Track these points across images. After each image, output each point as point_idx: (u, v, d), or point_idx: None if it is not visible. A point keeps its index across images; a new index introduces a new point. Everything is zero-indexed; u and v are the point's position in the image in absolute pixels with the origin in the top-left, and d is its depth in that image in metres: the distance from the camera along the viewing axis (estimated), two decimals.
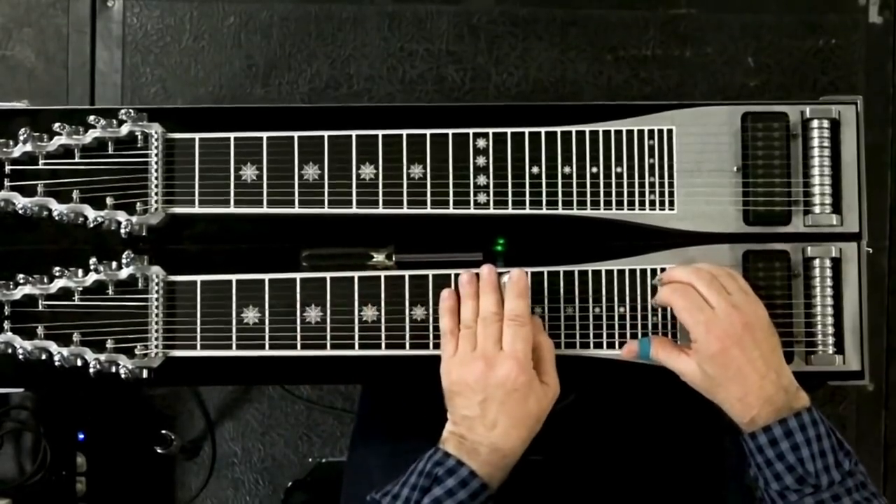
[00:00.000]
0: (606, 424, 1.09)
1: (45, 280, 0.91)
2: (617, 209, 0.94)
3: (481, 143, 0.94)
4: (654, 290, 0.91)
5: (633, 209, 0.94)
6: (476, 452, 0.82)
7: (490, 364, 0.83)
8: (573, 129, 0.94)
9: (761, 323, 0.84)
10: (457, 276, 0.91)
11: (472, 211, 0.94)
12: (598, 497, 1.02)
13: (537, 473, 1.01)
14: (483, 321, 0.85)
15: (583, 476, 1.04)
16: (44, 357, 0.91)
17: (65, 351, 0.90)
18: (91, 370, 0.90)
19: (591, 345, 0.92)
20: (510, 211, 0.94)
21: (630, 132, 0.94)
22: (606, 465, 1.05)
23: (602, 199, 0.94)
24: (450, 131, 0.94)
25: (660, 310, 0.91)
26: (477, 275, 0.89)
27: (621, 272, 0.92)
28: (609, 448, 1.07)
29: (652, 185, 0.94)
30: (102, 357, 0.90)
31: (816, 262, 0.94)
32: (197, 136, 0.94)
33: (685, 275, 0.86)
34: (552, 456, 1.00)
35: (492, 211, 0.94)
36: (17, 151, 0.92)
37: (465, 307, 0.88)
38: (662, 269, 0.92)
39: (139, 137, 0.93)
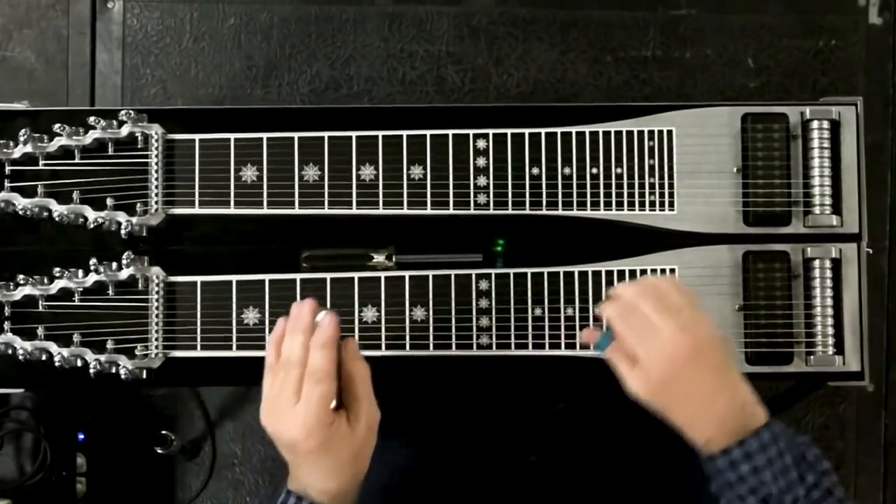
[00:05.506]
0: (599, 425, 1.09)
1: (46, 281, 0.91)
2: (617, 210, 0.94)
3: (481, 143, 0.94)
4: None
5: (633, 210, 0.94)
6: (307, 494, 0.77)
7: (279, 421, 0.74)
8: (573, 129, 0.94)
9: (711, 342, 0.76)
10: (457, 276, 0.91)
11: (472, 212, 0.94)
12: (593, 492, 1.02)
13: (534, 473, 1.02)
14: (284, 366, 0.75)
15: (577, 474, 1.04)
16: (44, 357, 0.91)
17: (65, 351, 0.90)
18: (91, 370, 0.90)
19: (591, 345, 0.92)
20: (510, 212, 0.94)
21: (630, 133, 0.94)
22: (599, 463, 1.05)
23: (602, 199, 0.94)
24: (450, 132, 0.94)
25: None
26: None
27: (621, 273, 0.92)
28: (601, 447, 1.07)
29: (652, 185, 0.94)
30: (102, 357, 0.90)
31: (816, 263, 0.94)
32: (197, 136, 0.94)
33: (631, 293, 0.78)
34: (548, 456, 1.00)
35: (492, 212, 0.94)
36: (17, 152, 0.92)
37: (284, 343, 0.77)
38: (662, 270, 0.92)
39: (139, 138, 0.93)
